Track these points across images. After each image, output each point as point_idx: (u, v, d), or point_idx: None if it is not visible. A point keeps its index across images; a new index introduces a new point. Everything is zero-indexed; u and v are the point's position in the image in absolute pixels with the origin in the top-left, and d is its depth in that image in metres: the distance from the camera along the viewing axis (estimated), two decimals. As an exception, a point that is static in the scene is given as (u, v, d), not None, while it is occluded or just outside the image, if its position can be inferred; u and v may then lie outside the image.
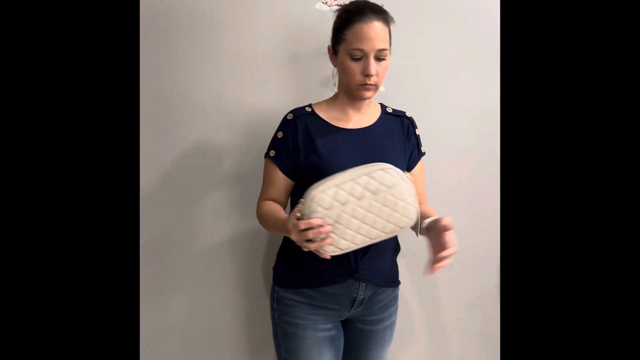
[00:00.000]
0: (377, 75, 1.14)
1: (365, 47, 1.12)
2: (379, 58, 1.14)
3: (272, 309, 1.27)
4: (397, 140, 1.26)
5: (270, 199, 1.24)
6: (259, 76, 1.54)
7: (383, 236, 1.07)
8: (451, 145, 1.55)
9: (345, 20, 1.14)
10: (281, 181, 1.22)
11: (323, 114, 1.23)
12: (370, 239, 1.06)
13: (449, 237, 1.02)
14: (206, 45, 1.53)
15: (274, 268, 1.32)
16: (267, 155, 1.24)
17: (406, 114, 1.32)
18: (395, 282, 1.31)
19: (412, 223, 1.06)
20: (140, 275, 1.58)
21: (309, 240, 1.02)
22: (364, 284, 1.21)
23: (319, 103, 1.27)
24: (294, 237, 1.03)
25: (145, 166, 1.56)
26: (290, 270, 1.25)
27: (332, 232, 1.02)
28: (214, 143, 1.56)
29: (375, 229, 1.05)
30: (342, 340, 1.27)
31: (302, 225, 1.00)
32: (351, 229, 1.04)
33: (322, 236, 1.01)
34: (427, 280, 1.61)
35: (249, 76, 1.54)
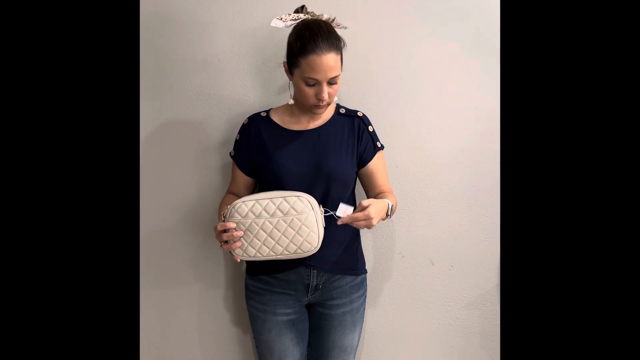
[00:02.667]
0: (329, 96, 1.24)
1: (319, 77, 1.20)
2: (331, 83, 1.22)
3: (245, 295, 1.44)
4: (345, 140, 1.34)
5: (232, 193, 1.43)
6: (259, 76, 1.54)
7: (288, 255, 1.21)
8: (451, 145, 1.55)
9: (300, 49, 1.20)
10: (240, 177, 1.40)
11: (277, 117, 1.36)
12: (275, 253, 1.21)
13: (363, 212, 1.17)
14: (206, 45, 1.53)
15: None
16: (230, 154, 1.42)
17: (358, 113, 1.38)
18: (352, 270, 1.38)
19: (313, 249, 1.21)
20: (140, 275, 1.58)
21: (226, 242, 1.20)
22: (315, 271, 1.32)
23: (277, 107, 1.40)
24: (215, 235, 1.23)
25: (145, 166, 1.56)
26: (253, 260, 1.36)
27: (243, 238, 1.20)
28: (214, 142, 1.56)
29: (279, 245, 1.20)
30: (305, 324, 1.40)
31: (219, 227, 1.20)
32: (259, 240, 1.20)
33: (235, 240, 1.19)
34: (427, 280, 1.61)
35: (249, 76, 1.54)
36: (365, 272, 1.43)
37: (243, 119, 1.41)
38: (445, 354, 1.64)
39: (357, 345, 1.43)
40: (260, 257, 1.22)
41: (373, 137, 1.38)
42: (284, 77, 1.43)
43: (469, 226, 1.58)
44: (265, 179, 1.33)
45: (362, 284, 1.41)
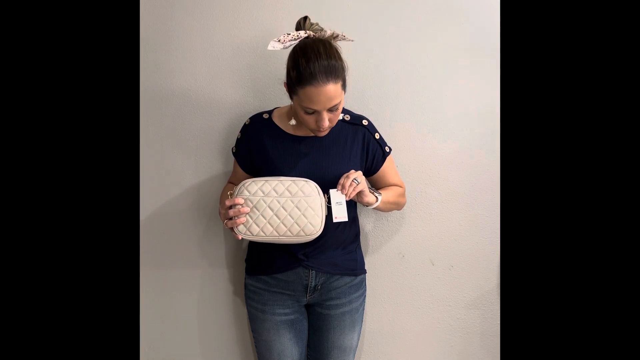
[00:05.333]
0: (330, 121, 1.21)
1: (317, 107, 1.16)
2: (332, 110, 1.18)
3: (244, 295, 1.44)
4: (349, 148, 1.32)
5: (233, 183, 1.43)
6: (259, 76, 1.54)
7: (290, 236, 1.23)
8: (451, 145, 1.55)
9: (296, 78, 1.15)
10: (240, 173, 1.41)
11: (280, 120, 1.34)
12: (278, 234, 1.22)
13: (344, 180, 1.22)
14: (206, 45, 1.53)
15: (245, 259, 1.46)
16: (232, 149, 1.42)
17: (363, 121, 1.35)
18: (351, 271, 1.37)
19: (315, 232, 1.22)
20: (140, 275, 1.58)
21: (230, 219, 1.22)
22: (314, 271, 1.31)
23: (281, 108, 1.38)
24: (220, 212, 1.26)
25: (145, 166, 1.56)
26: (252, 260, 1.41)
27: (249, 214, 1.22)
28: (214, 142, 1.56)
29: (284, 225, 1.22)
30: (303, 324, 1.40)
31: (227, 202, 1.22)
32: (264, 218, 1.22)
33: (240, 216, 1.20)
34: (427, 280, 1.61)
35: (249, 76, 1.54)
36: (365, 272, 1.43)
37: (243, 119, 1.41)
38: (445, 354, 1.64)
39: (357, 346, 1.43)
40: (262, 237, 1.23)
41: (381, 144, 1.37)
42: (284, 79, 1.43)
43: (469, 226, 1.58)
44: None
45: (361, 284, 1.41)
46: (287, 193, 1.22)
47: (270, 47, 1.19)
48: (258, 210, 1.22)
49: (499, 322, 1.59)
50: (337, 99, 1.16)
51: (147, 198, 1.58)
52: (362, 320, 1.43)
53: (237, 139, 1.40)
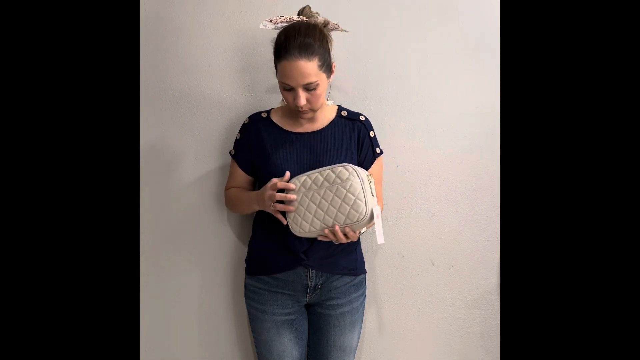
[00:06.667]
0: (309, 102, 1.23)
1: (291, 82, 1.20)
2: (308, 89, 1.21)
3: (244, 295, 1.44)
4: (346, 144, 1.33)
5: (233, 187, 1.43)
6: (259, 76, 1.54)
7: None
8: (451, 145, 1.55)
9: (275, 53, 1.22)
10: (241, 176, 1.40)
11: (277, 118, 1.36)
12: (327, 226, 1.19)
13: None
14: (206, 45, 1.53)
15: (245, 259, 1.45)
16: (230, 152, 1.41)
17: (360, 117, 1.36)
18: (351, 270, 1.37)
19: (361, 217, 1.16)
20: (140, 275, 1.58)
21: (277, 203, 1.20)
22: (314, 271, 1.32)
23: (277, 108, 1.39)
24: (266, 194, 1.21)
25: (145, 165, 1.56)
26: (252, 260, 1.41)
27: (297, 214, 1.20)
28: (214, 142, 1.56)
29: (328, 216, 1.18)
30: (303, 324, 1.40)
31: (280, 184, 1.21)
32: (310, 213, 1.19)
33: (288, 202, 1.20)
34: (427, 280, 1.61)
35: (249, 76, 1.54)
36: (365, 272, 1.43)
37: (243, 118, 1.41)
38: (445, 353, 1.64)
39: (357, 345, 1.43)
40: (314, 232, 1.21)
41: (374, 143, 1.37)
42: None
43: (469, 226, 1.58)
44: (263, 179, 1.32)
45: (361, 284, 1.41)
46: (325, 183, 1.19)
47: (261, 26, 1.25)
48: (303, 207, 1.19)
49: (498, 322, 1.59)
50: (311, 77, 1.19)
51: (147, 198, 1.58)
52: (362, 320, 1.43)
53: (236, 140, 1.40)
